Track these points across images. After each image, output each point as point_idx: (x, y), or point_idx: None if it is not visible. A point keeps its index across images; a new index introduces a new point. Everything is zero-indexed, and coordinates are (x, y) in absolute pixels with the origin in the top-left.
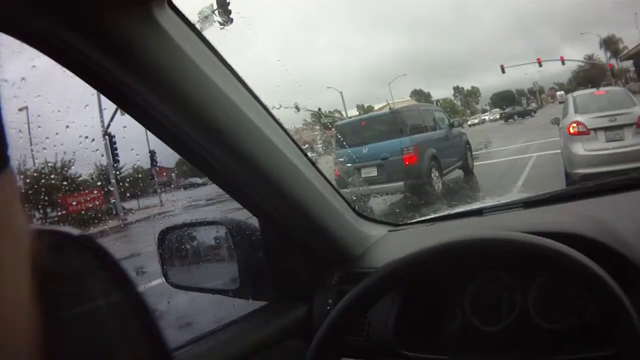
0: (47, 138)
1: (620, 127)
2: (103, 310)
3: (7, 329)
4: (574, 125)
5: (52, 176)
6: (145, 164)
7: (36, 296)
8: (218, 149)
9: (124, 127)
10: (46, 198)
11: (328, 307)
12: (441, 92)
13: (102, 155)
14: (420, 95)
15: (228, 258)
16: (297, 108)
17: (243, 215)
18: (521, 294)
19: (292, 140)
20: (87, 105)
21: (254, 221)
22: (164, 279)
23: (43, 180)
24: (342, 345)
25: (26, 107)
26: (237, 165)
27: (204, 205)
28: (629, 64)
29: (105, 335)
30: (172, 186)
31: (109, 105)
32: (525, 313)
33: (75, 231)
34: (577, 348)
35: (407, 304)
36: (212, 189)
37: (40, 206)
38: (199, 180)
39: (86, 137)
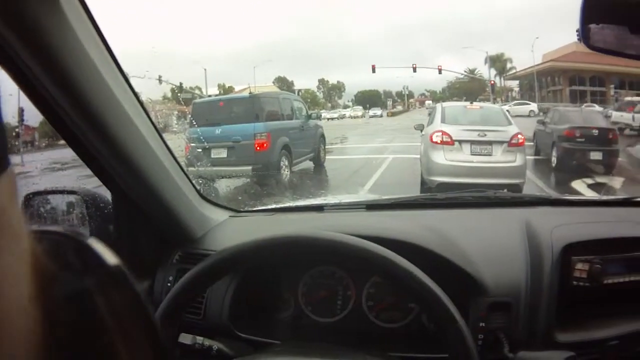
0: None
1: (489, 143)
2: (103, 309)
3: (7, 329)
4: (438, 134)
5: None
6: (13, 120)
7: (36, 296)
8: (78, 115)
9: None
10: None
11: (169, 284)
12: (306, 82)
13: None
14: (283, 82)
15: (81, 229)
16: (160, 80)
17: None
18: (355, 291)
19: (147, 114)
20: None
21: (109, 194)
22: None
23: None
24: (180, 321)
25: None
26: (93, 133)
27: (62, 168)
28: (513, 83)
29: (105, 334)
30: (36, 146)
31: None
32: (359, 309)
33: (75, 231)
34: (410, 348)
35: (244, 289)
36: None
37: None
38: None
39: None
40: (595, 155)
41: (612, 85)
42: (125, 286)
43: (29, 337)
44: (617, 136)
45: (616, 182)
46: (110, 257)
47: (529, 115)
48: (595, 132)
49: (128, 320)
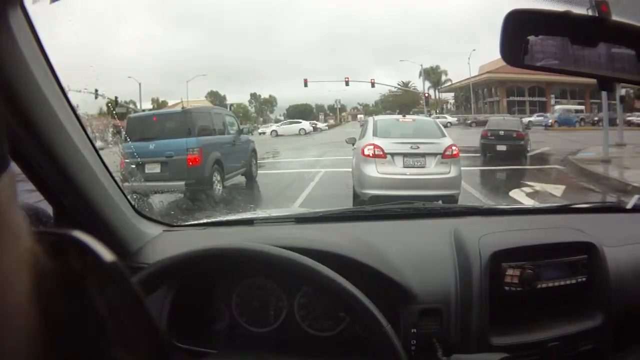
0: None
1: (422, 155)
2: (102, 309)
3: (7, 328)
4: (370, 147)
5: None
6: None
7: (36, 296)
8: (19, 128)
9: None
10: None
11: None
12: (238, 96)
13: None
14: (215, 96)
15: None
16: (97, 94)
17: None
18: (287, 302)
19: (84, 129)
20: None
21: (51, 208)
22: None
23: None
24: None
25: None
26: (34, 147)
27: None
28: (449, 95)
29: (105, 333)
30: None
31: None
32: (292, 319)
33: (74, 232)
34: (344, 356)
35: (181, 300)
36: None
37: None
38: None
39: None
40: (501, 147)
41: (553, 95)
42: (124, 285)
43: (28, 336)
44: (522, 135)
45: (557, 190)
46: (108, 256)
47: (446, 126)
48: (502, 132)
49: (127, 318)
